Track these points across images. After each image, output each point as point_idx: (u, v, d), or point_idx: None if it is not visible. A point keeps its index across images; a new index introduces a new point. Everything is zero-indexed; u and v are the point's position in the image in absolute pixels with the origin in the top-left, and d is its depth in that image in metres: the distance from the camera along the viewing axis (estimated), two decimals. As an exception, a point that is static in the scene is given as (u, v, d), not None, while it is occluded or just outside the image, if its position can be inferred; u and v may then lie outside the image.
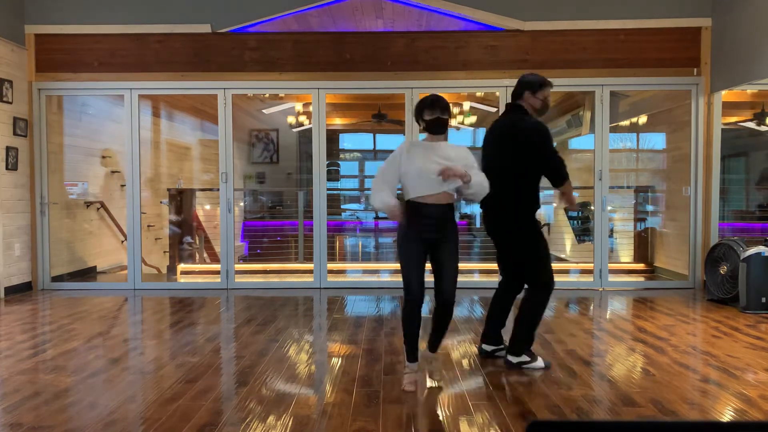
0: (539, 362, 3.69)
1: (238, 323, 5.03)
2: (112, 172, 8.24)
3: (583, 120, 8.06)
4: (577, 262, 7.77)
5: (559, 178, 3.61)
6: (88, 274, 7.49)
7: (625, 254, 8.29)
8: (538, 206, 3.70)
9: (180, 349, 4.18)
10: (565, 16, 6.48)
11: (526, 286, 3.80)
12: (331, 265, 6.94)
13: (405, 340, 3.43)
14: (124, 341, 4.47)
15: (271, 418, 2.93)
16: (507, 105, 3.79)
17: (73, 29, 6.63)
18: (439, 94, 3.37)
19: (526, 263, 3.70)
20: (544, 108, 3.71)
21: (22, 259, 6.54)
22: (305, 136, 9.42)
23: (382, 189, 3.28)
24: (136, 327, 5.07)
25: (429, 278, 3.37)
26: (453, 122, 8.81)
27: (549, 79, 3.73)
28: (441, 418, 2.96)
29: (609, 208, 6.77)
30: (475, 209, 9.07)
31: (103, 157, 8.05)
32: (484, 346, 3.94)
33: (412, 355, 3.43)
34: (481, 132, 9.25)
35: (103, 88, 6.73)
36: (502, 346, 3.92)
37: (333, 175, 10.81)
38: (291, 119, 9.85)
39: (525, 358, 3.69)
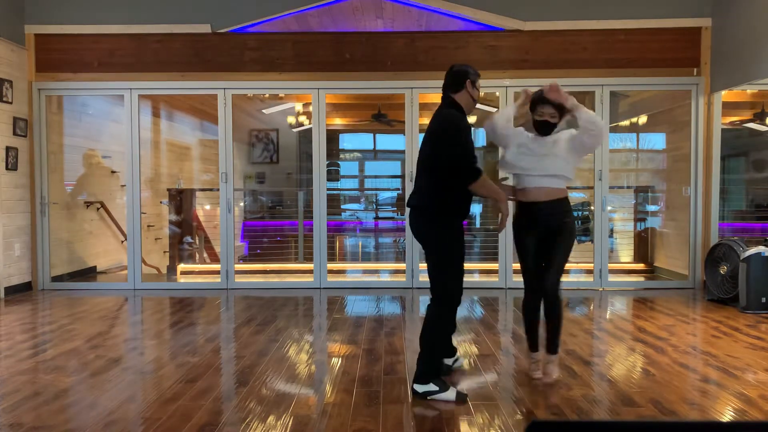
0: (449, 393, 3.15)
1: (238, 323, 5.03)
2: (112, 172, 8.24)
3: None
4: (577, 262, 7.78)
5: (465, 173, 3.14)
6: (88, 274, 7.49)
7: (625, 254, 8.29)
8: (461, 210, 3.28)
9: (180, 349, 4.18)
10: (565, 16, 6.48)
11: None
12: (331, 265, 6.94)
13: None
14: (124, 341, 4.47)
15: (271, 418, 2.93)
16: (443, 98, 3.42)
17: (73, 29, 6.63)
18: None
19: (434, 270, 3.25)
20: (478, 101, 3.43)
21: (22, 259, 6.54)
22: (305, 136, 9.41)
23: None
24: (136, 327, 5.07)
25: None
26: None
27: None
28: (441, 418, 2.96)
29: (609, 208, 6.77)
30: (476, 209, 9.07)
31: (89, 156, 8.04)
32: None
33: (535, 345, 3.56)
34: (481, 132, 9.24)
35: (103, 88, 6.73)
36: (456, 357, 3.70)
37: (333, 175, 10.81)
38: (291, 119, 9.85)
39: (432, 387, 3.15)
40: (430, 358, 3.23)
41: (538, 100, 3.46)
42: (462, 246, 3.29)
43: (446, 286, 3.23)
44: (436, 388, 3.16)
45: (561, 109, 3.41)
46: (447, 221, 3.26)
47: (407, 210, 3.54)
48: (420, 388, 3.17)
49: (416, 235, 3.35)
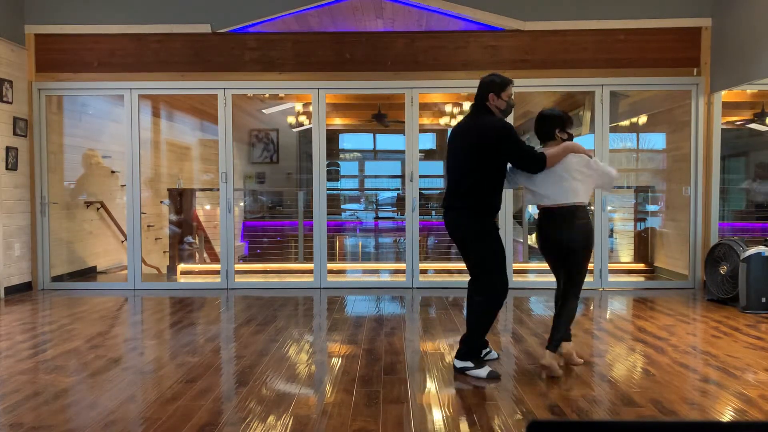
0: (483, 371, 3.55)
1: (238, 323, 5.03)
2: (112, 172, 8.24)
3: (583, 120, 8.06)
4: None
5: (539, 163, 3.56)
6: (88, 274, 7.49)
7: (625, 254, 8.29)
8: (495, 207, 3.64)
9: (180, 349, 4.18)
10: (565, 16, 6.48)
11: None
12: (331, 265, 6.94)
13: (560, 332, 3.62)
14: (124, 341, 4.47)
15: (271, 418, 2.93)
16: (472, 107, 3.74)
17: (73, 29, 6.63)
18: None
19: (477, 264, 3.62)
20: (509, 108, 3.66)
21: (22, 259, 6.54)
22: (305, 136, 9.42)
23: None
24: (136, 327, 5.07)
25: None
26: (453, 122, 8.81)
27: (510, 78, 3.67)
28: (441, 418, 2.96)
29: (609, 208, 6.76)
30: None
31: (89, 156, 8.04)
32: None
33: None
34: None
35: (103, 88, 6.73)
36: (488, 349, 3.87)
37: (333, 175, 10.82)
38: (291, 119, 9.85)
39: (469, 363, 3.59)
40: (474, 339, 3.65)
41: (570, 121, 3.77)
42: (498, 240, 3.63)
43: (490, 278, 3.58)
44: (471, 365, 3.58)
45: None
46: (486, 219, 3.62)
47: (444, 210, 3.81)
48: (458, 363, 3.62)
49: (456, 232, 3.67)
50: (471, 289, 3.67)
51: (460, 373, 3.59)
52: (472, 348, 3.63)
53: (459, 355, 3.64)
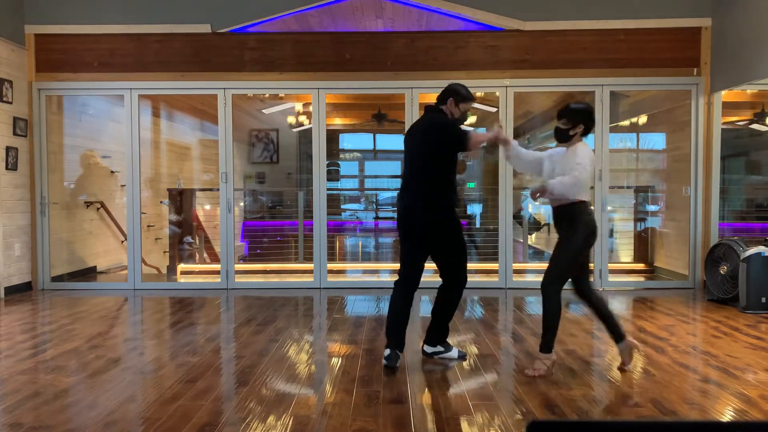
0: (453, 352, 3.89)
1: (238, 323, 5.03)
2: (112, 172, 8.24)
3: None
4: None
5: (464, 141, 3.72)
6: (88, 274, 7.49)
7: (625, 254, 8.28)
8: (453, 201, 3.82)
9: (180, 349, 4.18)
10: (565, 16, 6.48)
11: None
12: (331, 265, 6.93)
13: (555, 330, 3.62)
14: (124, 341, 4.47)
15: (271, 418, 2.93)
16: (427, 107, 3.98)
17: (73, 29, 6.63)
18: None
19: (460, 257, 3.84)
20: (461, 120, 3.89)
21: (22, 259, 6.54)
22: (305, 136, 9.41)
23: None
24: (136, 327, 5.07)
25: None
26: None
27: (474, 96, 3.91)
28: (441, 417, 2.96)
29: (609, 208, 6.76)
30: (476, 209, 9.06)
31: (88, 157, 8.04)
32: (426, 348, 3.93)
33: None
34: (481, 132, 9.24)
35: (103, 88, 6.73)
36: (442, 349, 3.90)
37: (333, 175, 10.81)
38: (291, 119, 9.85)
39: (440, 348, 3.88)
40: (445, 326, 3.91)
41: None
42: None
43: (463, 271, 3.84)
44: (443, 349, 3.87)
45: (574, 119, 3.79)
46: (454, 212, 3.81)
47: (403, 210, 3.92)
48: (429, 350, 3.89)
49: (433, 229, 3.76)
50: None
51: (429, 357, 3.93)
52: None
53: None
